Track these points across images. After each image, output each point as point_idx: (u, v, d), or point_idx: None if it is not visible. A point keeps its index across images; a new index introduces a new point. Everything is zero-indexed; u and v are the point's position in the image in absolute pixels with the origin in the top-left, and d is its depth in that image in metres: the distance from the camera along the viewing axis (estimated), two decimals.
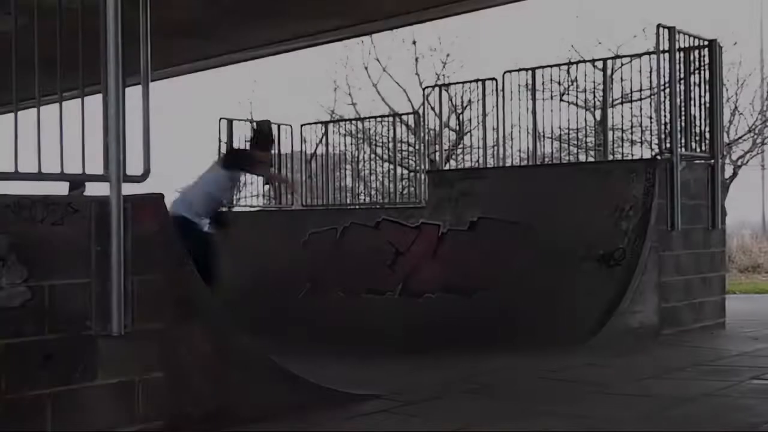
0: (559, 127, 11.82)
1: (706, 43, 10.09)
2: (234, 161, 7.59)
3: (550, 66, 12.09)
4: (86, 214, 4.63)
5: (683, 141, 9.68)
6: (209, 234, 7.43)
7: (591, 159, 13.05)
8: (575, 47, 21.63)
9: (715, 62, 10.09)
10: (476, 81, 12.55)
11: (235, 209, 14.23)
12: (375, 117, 17.71)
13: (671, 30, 9.55)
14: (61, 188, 4.70)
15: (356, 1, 11.70)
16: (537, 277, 9.43)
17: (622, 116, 12.59)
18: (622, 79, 11.88)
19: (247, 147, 7.79)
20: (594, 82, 12.35)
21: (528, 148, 11.80)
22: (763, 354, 8.32)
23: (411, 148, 19.18)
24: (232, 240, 13.14)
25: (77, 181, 5.30)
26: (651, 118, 11.56)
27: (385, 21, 13.01)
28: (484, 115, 12.16)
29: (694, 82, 10.01)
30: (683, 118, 9.75)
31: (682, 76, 9.79)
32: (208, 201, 7.44)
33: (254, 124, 13.38)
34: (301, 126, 14.84)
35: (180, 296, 5.13)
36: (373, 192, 17.25)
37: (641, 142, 12.43)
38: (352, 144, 16.28)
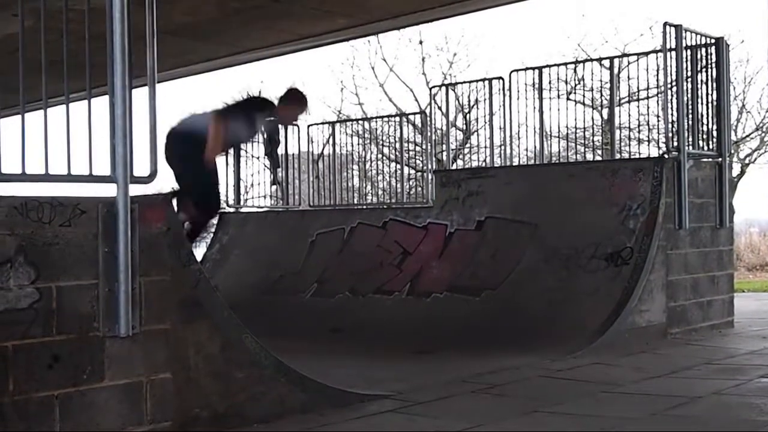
0: (567, 126, 11.82)
1: (713, 40, 10.07)
2: (245, 105, 7.37)
3: (557, 65, 12.10)
4: (93, 215, 4.64)
5: (690, 139, 9.66)
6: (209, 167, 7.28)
7: (598, 158, 13.07)
8: (582, 46, 21.63)
9: (722, 60, 10.07)
10: (483, 80, 12.56)
11: (243, 209, 14.27)
12: (382, 117, 17.76)
13: (678, 28, 9.54)
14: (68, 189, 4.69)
15: (363, 2, 11.70)
16: (544, 276, 9.43)
17: (630, 115, 12.58)
18: (629, 77, 11.93)
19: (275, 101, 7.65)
20: (601, 80, 12.37)
21: (535, 147, 11.80)
22: None
23: (418, 148, 19.22)
24: (241, 241, 13.18)
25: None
26: (658, 116, 11.56)
27: (392, 21, 13.00)
28: (491, 114, 12.16)
29: (702, 80, 9.99)
30: (690, 116, 9.73)
31: (689, 74, 9.77)
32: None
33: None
34: (308, 126, 14.85)
35: (187, 297, 5.14)
36: (380, 192, 17.28)
37: (648, 141, 12.44)
38: (359, 144, 16.29)
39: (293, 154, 14.88)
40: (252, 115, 7.38)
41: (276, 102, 7.73)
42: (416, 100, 24.00)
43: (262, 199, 15.05)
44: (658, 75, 10.46)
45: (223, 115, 7.34)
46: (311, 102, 8.04)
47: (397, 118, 16.05)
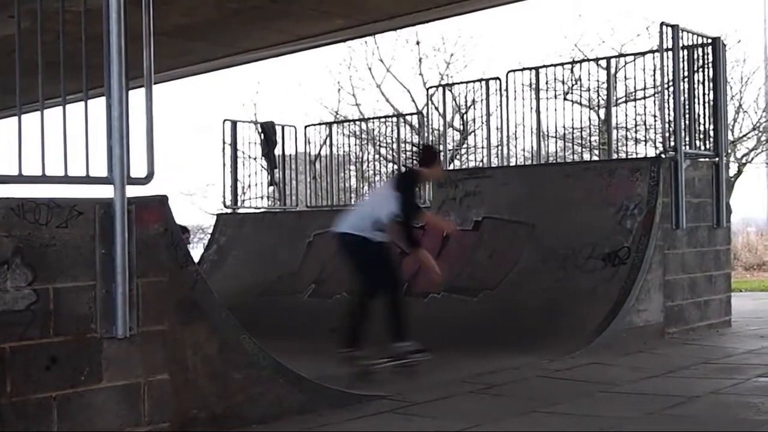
0: (563, 126, 11.82)
1: (709, 40, 10.08)
2: (404, 183, 7.77)
3: (554, 65, 12.11)
4: (90, 216, 4.63)
5: (687, 139, 9.67)
6: (383, 243, 7.63)
7: (595, 158, 13.06)
8: (579, 46, 21.63)
9: (719, 60, 10.08)
10: (480, 81, 12.56)
11: (241, 210, 14.27)
12: (379, 117, 17.75)
13: (675, 28, 9.55)
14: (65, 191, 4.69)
15: (361, 3, 11.70)
16: (542, 276, 9.42)
17: (626, 115, 12.63)
18: (625, 77, 11.91)
19: (415, 167, 8.11)
20: (598, 80, 12.36)
21: (532, 147, 11.80)
22: None
23: (415, 149, 19.18)
24: (238, 242, 13.18)
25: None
26: (655, 116, 11.56)
27: (389, 21, 13.00)
28: (488, 114, 12.16)
29: (698, 80, 10.00)
30: (687, 116, 9.74)
31: (685, 74, 9.78)
32: (384, 220, 7.62)
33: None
34: (306, 127, 14.86)
35: (185, 298, 5.13)
36: None
37: (645, 141, 12.42)
38: (356, 145, 16.29)
39: (290, 155, 14.89)
40: (410, 191, 7.82)
41: (419, 166, 8.07)
42: (413, 100, 24.00)
43: (259, 200, 15.06)
44: (654, 75, 10.47)
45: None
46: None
47: (394, 119, 16.04)
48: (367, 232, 7.51)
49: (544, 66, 11.79)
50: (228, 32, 12.78)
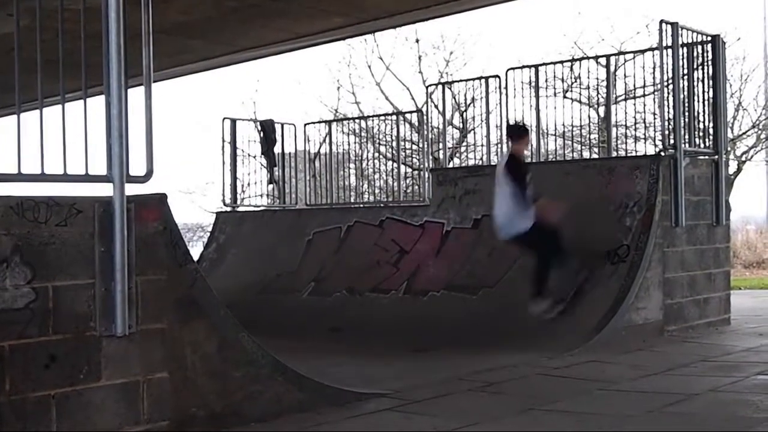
0: (563, 124, 11.81)
1: (709, 38, 10.08)
2: (510, 172, 8.43)
3: (554, 63, 12.09)
4: (90, 214, 4.63)
5: (687, 137, 9.67)
6: (532, 225, 8.29)
7: (595, 156, 13.06)
8: (578, 44, 21.59)
9: (719, 58, 10.08)
10: (479, 78, 12.55)
11: (240, 208, 14.27)
12: (378, 115, 17.74)
13: (674, 26, 9.55)
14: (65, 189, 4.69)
15: (359, 1, 11.69)
16: None
17: (626, 113, 12.59)
18: (625, 75, 11.89)
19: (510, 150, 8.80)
20: (597, 78, 12.35)
21: (532, 145, 11.77)
22: None
23: (415, 147, 19.19)
24: (237, 240, 13.18)
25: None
26: (654, 114, 11.55)
27: (388, 19, 13.00)
28: (488, 112, 12.15)
29: (698, 78, 10.00)
30: (687, 114, 9.74)
31: (685, 71, 9.78)
32: (520, 204, 8.33)
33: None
34: (305, 125, 14.86)
35: (184, 296, 5.13)
36: (377, 190, 17.26)
37: (645, 139, 12.41)
38: (355, 143, 16.29)
39: (290, 153, 14.89)
40: (515, 176, 8.39)
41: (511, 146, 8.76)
42: (413, 98, 23.93)
43: (258, 198, 15.05)
44: (654, 73, 10.47)
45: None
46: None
47: (394, 117, 16.05)
48: (514, 228, 8.34)
49: (543, 64, 11.79)
50: (226, 30, 12.77)
